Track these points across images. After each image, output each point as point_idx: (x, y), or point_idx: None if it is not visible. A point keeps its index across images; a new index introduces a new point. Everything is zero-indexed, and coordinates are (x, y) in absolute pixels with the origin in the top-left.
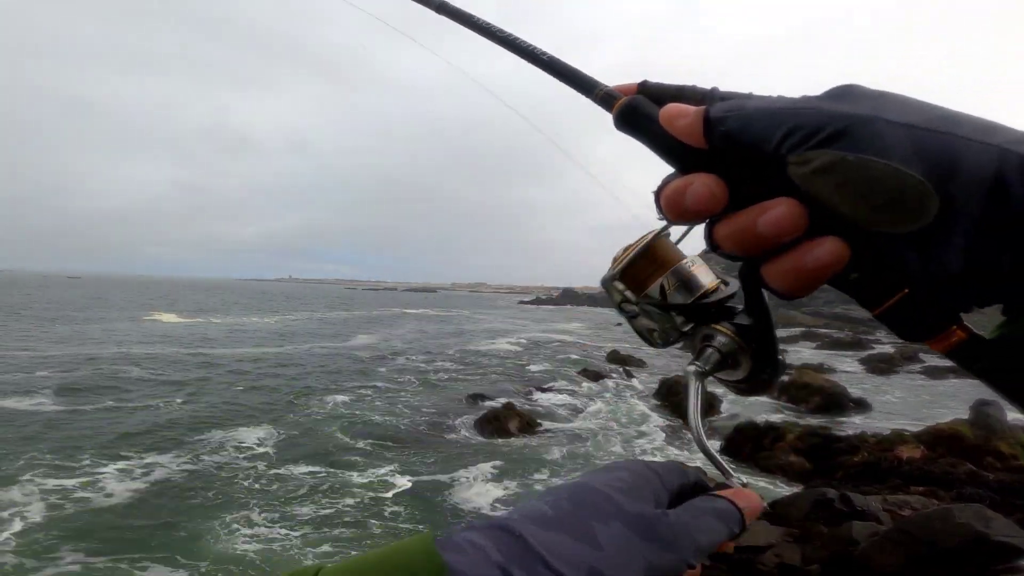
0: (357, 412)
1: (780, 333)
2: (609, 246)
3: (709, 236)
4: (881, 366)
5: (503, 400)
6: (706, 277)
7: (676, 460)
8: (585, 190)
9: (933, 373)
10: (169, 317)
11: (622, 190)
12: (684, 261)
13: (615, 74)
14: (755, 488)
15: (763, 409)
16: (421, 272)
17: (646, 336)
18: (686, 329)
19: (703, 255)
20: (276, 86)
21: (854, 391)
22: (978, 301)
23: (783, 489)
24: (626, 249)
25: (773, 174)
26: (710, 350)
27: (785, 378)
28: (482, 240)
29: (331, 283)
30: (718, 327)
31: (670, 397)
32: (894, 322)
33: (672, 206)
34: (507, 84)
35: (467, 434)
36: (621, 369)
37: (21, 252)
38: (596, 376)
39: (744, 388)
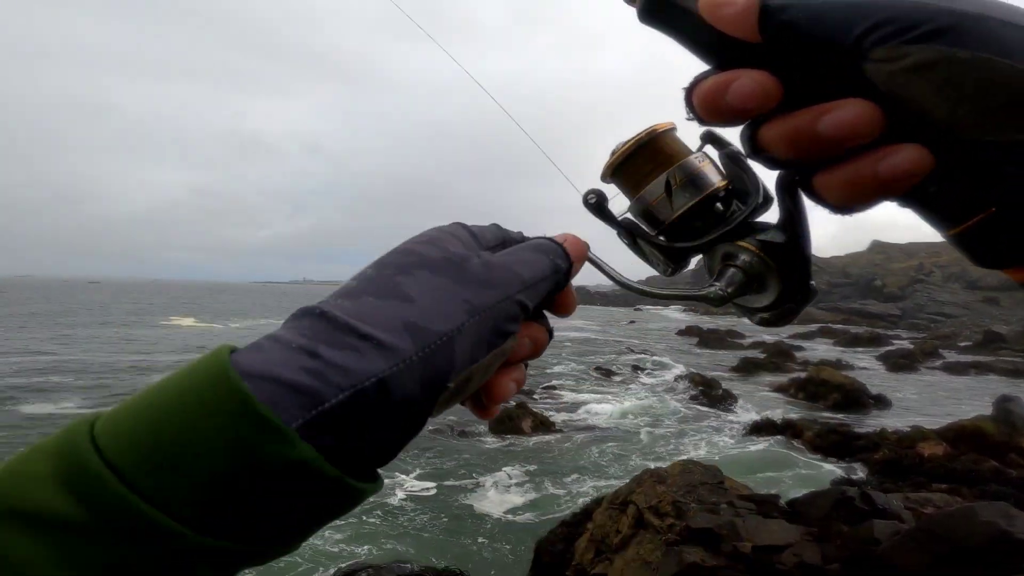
0: None
1: (796, 329)
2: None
3: (751, 138)
4: (901, 362)
5: (516, 399)
6: (715, 176)
7: (497, 223)
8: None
9: (954, 369)
10: (187, 322)
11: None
12: (693, 156)
13: (627, 72)
14: (777, 485)
15: (780, 406)
16: None
17: (665, 257)
18: (706, 240)
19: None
20: (289, 90)
21: (873, 388)
22: None
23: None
24: (625, 143)
25: (843, 72)
26: (733, 270)
27: (802, 375)
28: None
29: None
30: (743, 243)
31: (687, 391)
32: (973, 244)
33: (710, 102)
34: (516, 84)
35: (481, 434)
36: (634, 365)
37: (42, 257)
38: (608, 373)
39: (768, 317)
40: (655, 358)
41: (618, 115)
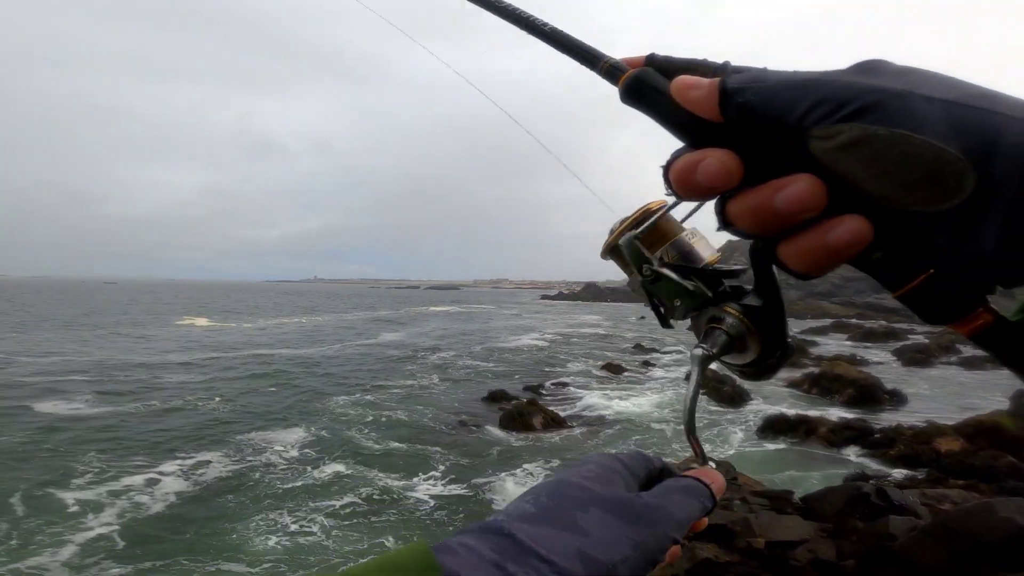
0: (384, 411)
1: (810, 324)
2: None
3: (721, 212)
4: (917, 356)
5: (527, 396)
6: (706, 251)
7: (640, 451)
8: (607, 184)
9: (970, 364)
10: (201, 322)
11: (625, 193)
12: (684, 234)
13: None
14: (791, 481)
15: (794, 402)
16: (444, 269)
17: (665, 307)
18: (705, 297)
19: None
20: (298, 89)
21: (888, 383)
22: (1006, 282)
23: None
24: (623, 221)
25: (792, 149)
26: (718, 332)
27: (815, 370)
28: (504, 236)
29: (355, 283)
30: (727, 308)
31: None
32: (917, 304)
33: (683, 181)
34: (526, 81)
35: (492, 431)
36: (644, 362)
37: (58, 258)
38: (619, 369)
39: (750, 372)
40: (665, 355)
41: (629, 113)
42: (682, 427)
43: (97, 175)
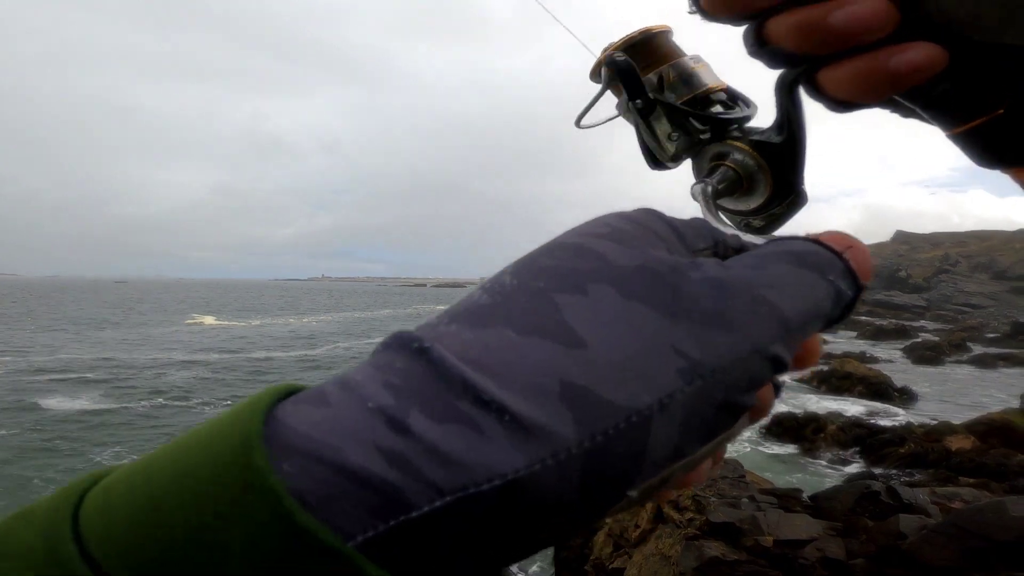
0: None
1: None
2: None
3: (757, 31)
4: (927, 354)
5: None
6: (710, 79)
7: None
8: (619, 181)
9: (982, 362)
10: (209, 320)
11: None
12: (687, 57)
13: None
14: (799, 481)
15: (802, 399)
16: (449, 267)
17: (655, 143)
18: (703, 136)
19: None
20: (307, 89)
21: (899, 380)
22: None
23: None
24: (618, 41)
25: None
26: (724, 167)
27: (825, 367)
28: (510, 233)
29: (362, 281)
30: (735, 143)
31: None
32: (978, 143)
33: None
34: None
35: None
36: None
37: (70, 258)
38: None
39: (755, 223)
40: None
41: None
42: None
43: (111, 175)
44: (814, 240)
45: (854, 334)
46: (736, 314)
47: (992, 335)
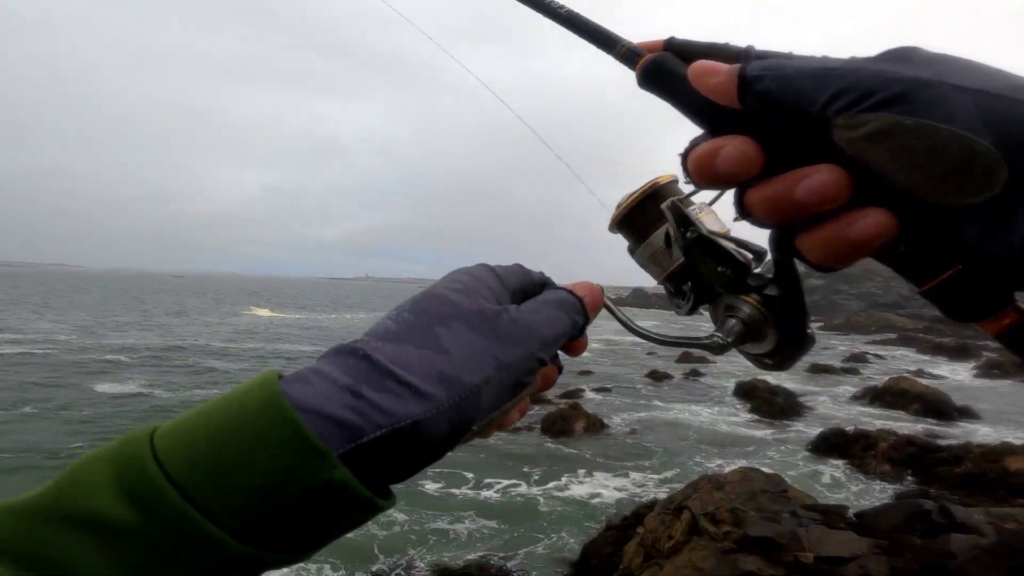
0: None
1: (875, 336)
2: None
3: (739, 202)
4: (993, 372)
5: (568, 401)
6: (716, 226)
7: (520, 263)
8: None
9: None
10: (264, 312)
11: None
12: (692, 208)
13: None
14: (845, 498)
15: (853, 416)
16: None
17: (677, 293)
18: (720, 289)
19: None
20: (362, 93)
21: (958, 399)
22: None
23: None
24: (630, 195)
25: (815, 138)
26: (733, 321)
27: (878, 384)
28: (550, 238)
29: (405, 281)
30: (744, 297)
31: (744, 399)
32: (943, 300)
33: (701, 169)
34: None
35: (533, 434)
36: (691, 370)
37: (132, 252)
38: (664, 377)
39: (767, 363)
40: (714, 366)
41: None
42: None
43: (178, 173)
44: (569, 290)
45: (912, 350)
46: (521, 337)
47: None
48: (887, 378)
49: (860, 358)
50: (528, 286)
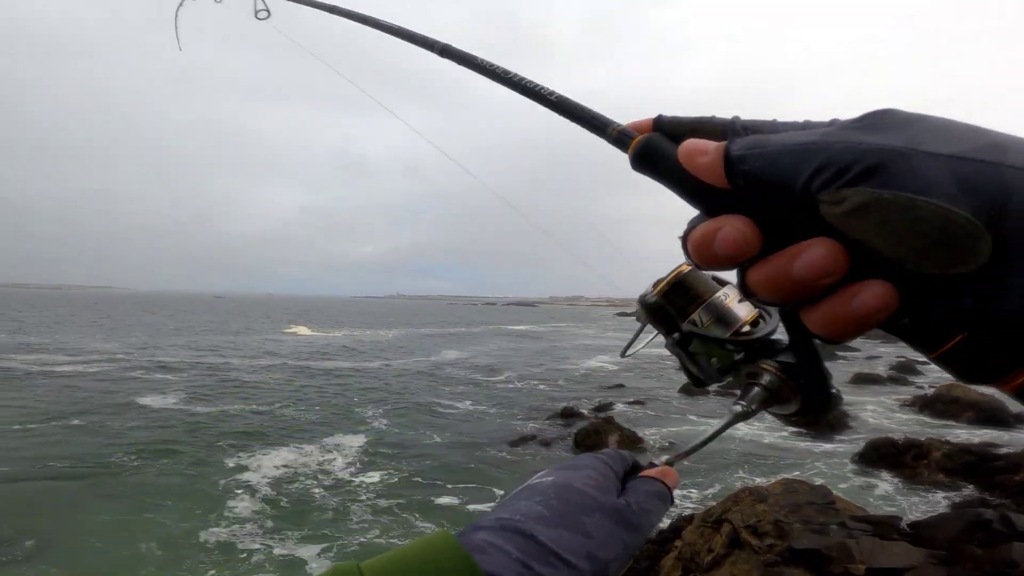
0: (449, 424)
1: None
2: None
3: (742, 283)
4: None
5: (602, 415)
6: (742, 310)
7: (618, 450)
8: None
9: None
10: (303, 330)
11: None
12: (718, 294)
13: (705, 82)
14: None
15: (903, 425)
16: (520, 286)
17: (699, 369)
18: (738, 359)
19: None
20: (388, 112)
21: (1015, 406)
22: None
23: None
24: (656, 284)
25: (806, 213)
26: (756, 388)
27: (929, 392)
28: (580, 252)
29: (435, 298)
30: (764, 365)
31: (776, 418)
32: (955, 366)
33: (701, 253)
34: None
35: (566, 449)
36: (726, 383)
37: (175, 273)
38: (696, 394)
39: (798, 421)
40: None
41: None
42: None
43: (216, 195)
44: (661, 481)
45: None
46: (641, 525)
47: None
48: (937, 387)
49: (908, 367)
50: (627, 468)
